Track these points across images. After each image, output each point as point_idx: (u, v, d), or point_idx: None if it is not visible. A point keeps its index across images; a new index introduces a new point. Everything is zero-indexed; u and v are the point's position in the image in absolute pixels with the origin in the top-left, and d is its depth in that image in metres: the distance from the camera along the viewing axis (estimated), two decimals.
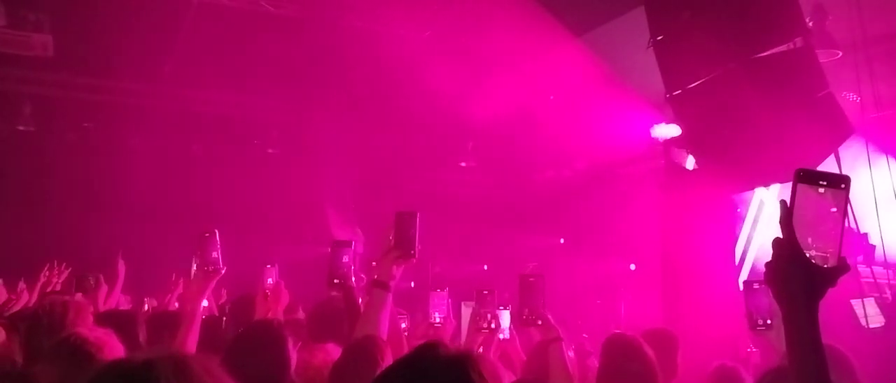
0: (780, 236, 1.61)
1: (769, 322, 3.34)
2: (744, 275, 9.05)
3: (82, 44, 10.83)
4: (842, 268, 1.59)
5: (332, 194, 13.84)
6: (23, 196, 11.72)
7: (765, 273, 1.65)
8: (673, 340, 4.47)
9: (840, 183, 1.60)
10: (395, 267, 3.17)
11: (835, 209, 1.59)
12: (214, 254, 3.56)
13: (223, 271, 3.59)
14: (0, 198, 11.15)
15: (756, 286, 3.40)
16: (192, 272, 3.63)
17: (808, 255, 1.57)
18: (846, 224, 1.61)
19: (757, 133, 6.35)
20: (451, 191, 15.19)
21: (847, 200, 1.60)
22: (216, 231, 3.59)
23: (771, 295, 3.42)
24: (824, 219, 1.59)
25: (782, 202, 1.61)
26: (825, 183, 1.60)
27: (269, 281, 4.32)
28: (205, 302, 5.62)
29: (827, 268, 1.58)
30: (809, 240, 1.58)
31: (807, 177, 1.61)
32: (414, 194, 14.59)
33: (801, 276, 1.58)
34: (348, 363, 2.95)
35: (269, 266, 4.39)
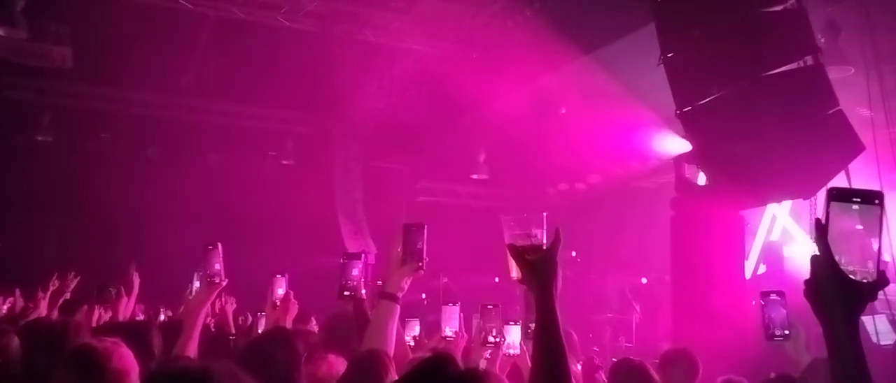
0: (816, 254, 1.61)
1: (786, 332, 3.33)
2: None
3: (101, 56, 10.98)
4: (881, 282, 1.60)
5: (346, 205, 13.91)
6: (41, 205, 11.86)
7: (804, 290, 1.65)
8: (694, 362, 4.47)
9: (874, 198, 1.61)
10: (404, 279, 3.16)
11: (870, 224, 1.61)
12: (217, 266, 3.63)
13: (225, 283, 3.65)
14: (19, 206, 11.30)
15: (773, 297, 3.39)
16: (195, 283, 3.69)
17: (845, 271, 1.58)
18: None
19: (767, 150, 6.35)
20: (463, 203, 15.24)
21: (882, 215, 1.61)
22: (219, 243, 3.65)
23: (787, 306, 3.43)
24: (860, 235, 1.61)
25: (817, 220, 1.62)
26: (859, 199, 1.62)
27: (279, 291, 4.35)
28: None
29: (866, 282, 1.59)
30: (846, 256, 1.59)
31: (840, 195, 1.62)
32: (426, 206, 14.65)
33: (840, 292, 1.58)
34: (352, 377, 2.96)
35: (278, 276, 4.41)
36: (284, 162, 14.29)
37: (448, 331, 4.58)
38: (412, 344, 4.75)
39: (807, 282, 1.64)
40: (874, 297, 1.60)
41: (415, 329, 5.24)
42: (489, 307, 3.92)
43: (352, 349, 3.68)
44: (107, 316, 5.86)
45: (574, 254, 13.45)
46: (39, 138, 12.63)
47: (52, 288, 6.86)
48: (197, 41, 10.78)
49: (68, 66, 10.98)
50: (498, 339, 3.91)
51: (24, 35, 9.67)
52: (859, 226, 1.62)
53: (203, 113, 13.49)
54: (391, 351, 3.06)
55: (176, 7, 9.99)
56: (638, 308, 11.62)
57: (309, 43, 10.65)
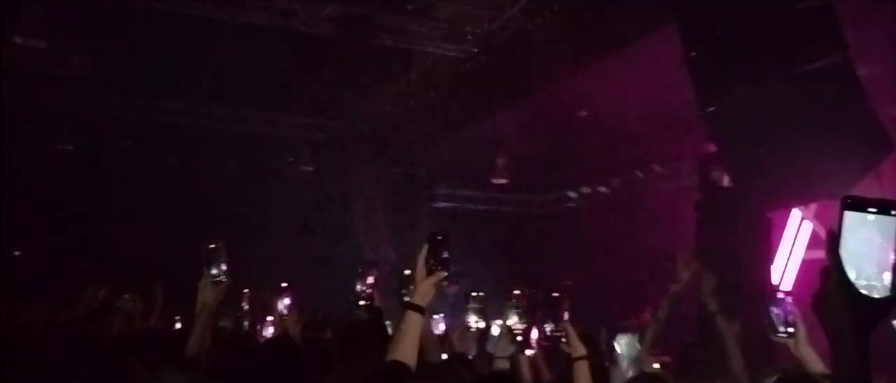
0: (827, 266, 1.51)
1: (791, 331, 3.33)
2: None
3: (120, 64, 11.02)
4: (894, 299, 1.49)
5: (365, 212, 13.88)
6: (61, 215, 11.90)
7: (812, 304, 1.55)
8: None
9: (890, 209, 1.51)
10: (430, 290, 3.10)
11: (886, 236, 1.51)
12: (223, 265, 3.61)
13: (230, 282, 3.63)
14: (39, 216, 11.33)
15: (782, 296, 3.40)
16: (202, 284, 3.64)
17: (857, 286, 1.49)
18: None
19: (794, 150, 6.21)
20: (483, 208, 15.17)
21: None
22: (222, 242, 3.63)
23: (794, 306, 3.39)
24: (874, 248, 1.51)
25: (829, 230, 1.52)
26: (875, 209, 1.51)
27: (286, 301, 4.34)
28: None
29: (878, 299, 1.49)
30: (859, 269, 1.50)
31: (854, 204, 1.52)
32: (446, 212, 14.60)
33: (850, 309, 1.48)
34: None
35: (284, 285, 4.41)
36: (303, 168, 14.29)
37: (472, 322, 4.59)
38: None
39: (815, 295, 1.54)
40: (886, 316, 1.49)
41: (440, 327, 5.25)
42: (515, 297, 3.89)
43: (369, 358, 3.63)
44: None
45: (597, 257, 13.31)
46: (59, 147, 12.71)
47: (85, 298, 6.85)
48: (215, 48, 10.78)
49: (88, 75, 11.04)
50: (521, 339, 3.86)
51: (43, 44, 9.71)
52: (874, 238, 1.51)
53: (222, 120, 13.52)
54: (414, 364, 3.01)
55: (194, 14, 10.00)
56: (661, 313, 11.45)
57: (327, 48, 10.62)
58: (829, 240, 1.52)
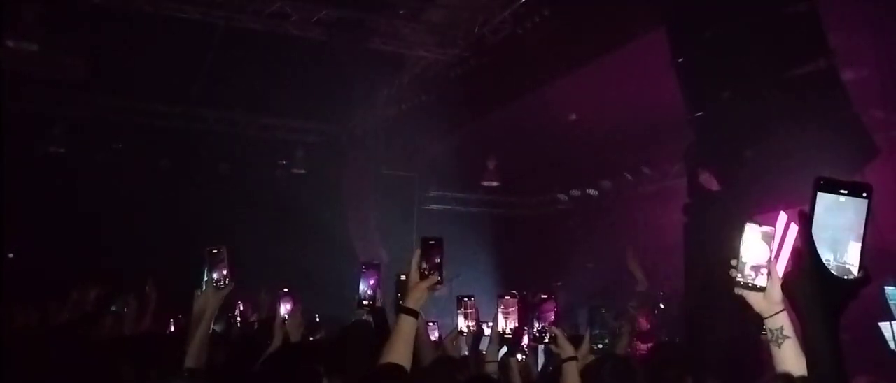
0: (799, 247, 1.55)
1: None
2: None
3: (113, 66, 11.02)
4: (864, 280, 1.52)
5: (357, 214, 13.90)
6: (54, 217, 11.88)
7: (782, 285, 1.61)
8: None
9: (861, 191, 1.55)
10: (424, 294, 3.13)
11: (856, 219, 1.54)
12: (224, 271, 3.62)
13: (231, 287, 3.63)
14: (31, 218, 11.31)
15: None
16: (202, 289, 3.63)
17: (828, 267, 1.52)
18: (869, 234, 1.54)
19: (779, 154, 6.29)
20: (474, 211, 15.22)
21: (869, 210, 1.54)
22: (224, 247, 3.64)
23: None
24: (845, 230, 1.54)
25: (801, 212, 1.56)
26: (846, 191, 1.55)
27: (288, 306, 4.38)
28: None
29: (848, 280, 1.52)
30: (830, 251, 1.52)
31: (827, 186, 1.56)
32: (437, 214, 14.63)
33: (821, 289, 1.51)
34: None
35: (285, 290, 4.45)
36: (295, 171, 14.31)
37: (464, 327, 4.61)
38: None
39: (786, 275, 1.59)
40: (856, 296, 1.53)
41: (434, 334, 5.29)
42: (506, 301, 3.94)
43: (366, 360, 3.67)
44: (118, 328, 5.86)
45: (587, 262, 13.36)
46: (52, 149, 12.69)
47: (72, 301, 6.86)
48: (207, 50, 10.80)
49: (81, 78, 11.02)
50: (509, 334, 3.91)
51: (36, 47, 9.71)
52: (846, 219, 1.55)
53: (213, 122, 13.54)
54: (409, 366, 3.05)
55: (187, 17, 10.02)
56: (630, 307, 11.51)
57: (318, 52, 10.65)
58: (802, 221, 1.55)
